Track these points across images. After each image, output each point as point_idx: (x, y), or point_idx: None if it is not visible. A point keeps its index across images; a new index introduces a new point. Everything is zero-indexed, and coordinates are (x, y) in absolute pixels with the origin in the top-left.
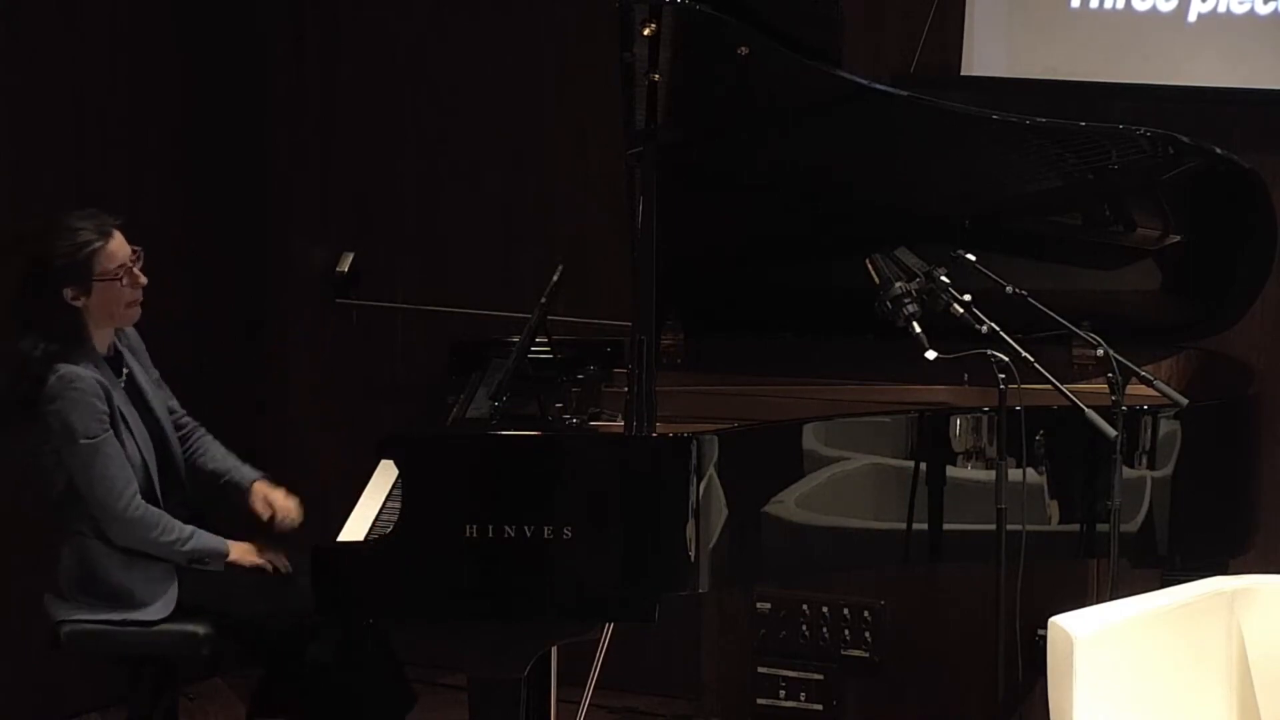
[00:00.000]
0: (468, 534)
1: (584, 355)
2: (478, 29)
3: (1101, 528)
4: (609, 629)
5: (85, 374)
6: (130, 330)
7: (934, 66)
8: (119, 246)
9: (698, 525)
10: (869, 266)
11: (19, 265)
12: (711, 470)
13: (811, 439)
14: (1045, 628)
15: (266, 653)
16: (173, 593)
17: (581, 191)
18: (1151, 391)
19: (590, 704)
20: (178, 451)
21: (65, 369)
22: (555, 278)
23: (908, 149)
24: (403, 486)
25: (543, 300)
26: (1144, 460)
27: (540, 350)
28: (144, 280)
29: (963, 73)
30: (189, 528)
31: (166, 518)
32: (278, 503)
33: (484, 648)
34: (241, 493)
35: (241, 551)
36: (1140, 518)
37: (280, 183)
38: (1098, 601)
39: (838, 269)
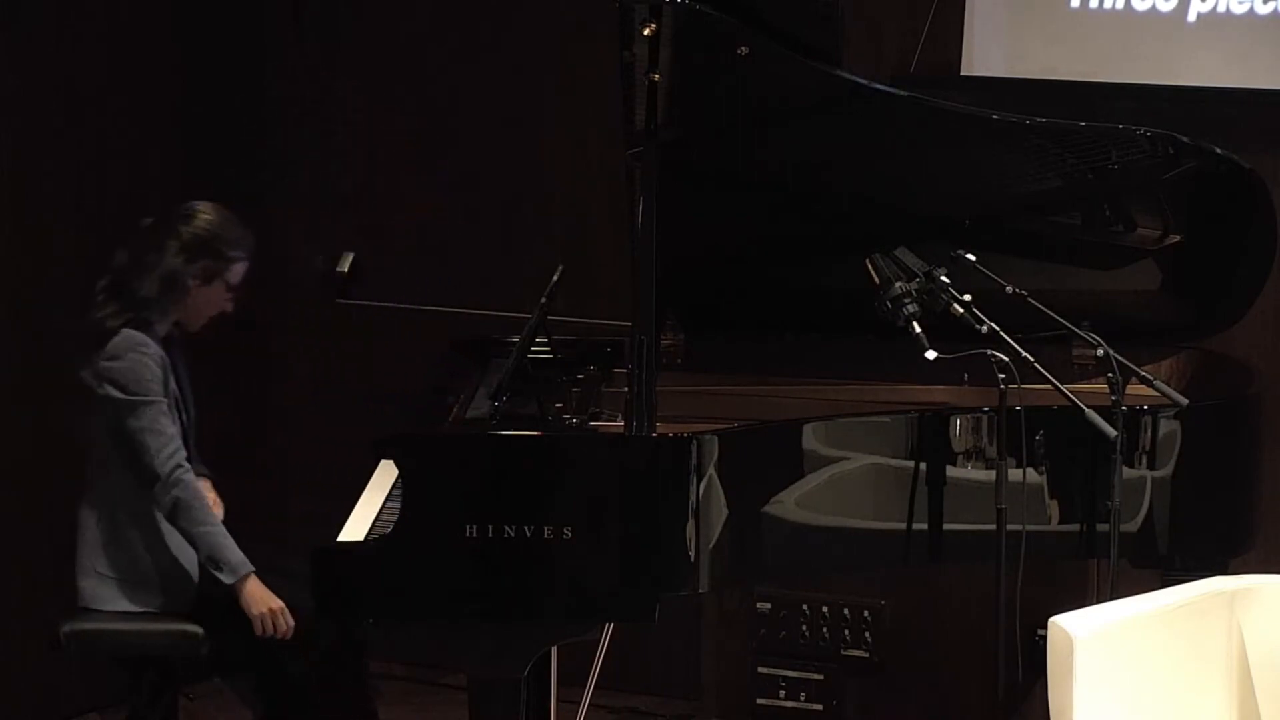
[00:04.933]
0: (468, 534)
1: (584, 355)
2: (478, 29)
3: (1101, 528)
4: (609, 629)
5: (152, 344)
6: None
7: (934, 66)
8: (243, 272)
9: (698, 525)
10: (869, 266)
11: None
12: (711, 470)
13: (811, 439)
14: (1045, 628)
15: (257, 655)
16: (192, 586)
17: (581, 191)
18: (1151, 391)
19: (590, 704)
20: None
21: (132, 332)
22: (555, 278)
23: (908, 149)
24: (403, 486)
25: (543, 300)
26: (1144, 460)
27: (540, 350)
28: (230, 309)
29: (963, 73)
30: (223, 528)
31: (208, 502)
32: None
33: (484, 648)
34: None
35: (260, 594)
36: (1140, 518)
37: (280, 183)
38: (1098, 601)
39: (838, 269)
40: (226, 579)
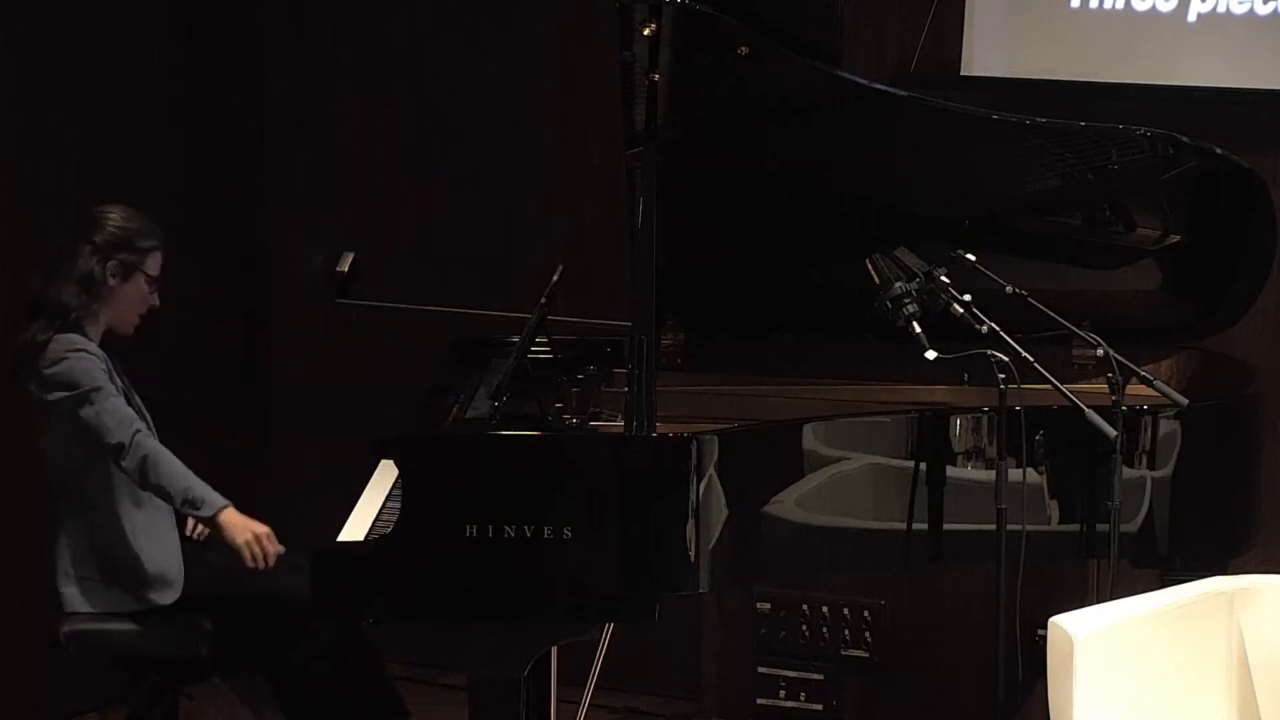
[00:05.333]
0: (468, 534)
1: (584, 355)
2: (478, 28)
3: (1101, 528)
4: (609, 629)
5: (89, 342)
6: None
7: (934, 66)
8: (159, 262)
9: (698, 525)
10: (869, 266)
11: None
12: (711, 470)
13: (811, 439)
14: (1045, 628)
15: (262, 653)
16: (179, 577)
17: (581, 191)
18: (1151, 391)
19: (590, 704)
20: None
21: (65, 335)
22: (555, 278)
23: (908, 149)
24: (403, 486)
25: (543, 300)
26: (1144, 460)
27: (540, 350)
28: (158, 303)
29: (963, 73)
30: (191, 473)
31: (171, 455)
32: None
33: (484, 648)
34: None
35: (240, 522)
36: (1140, 518)
37: (280, 182)
38: (1098, 601)
39: (838, 269)
40: (205, 514)
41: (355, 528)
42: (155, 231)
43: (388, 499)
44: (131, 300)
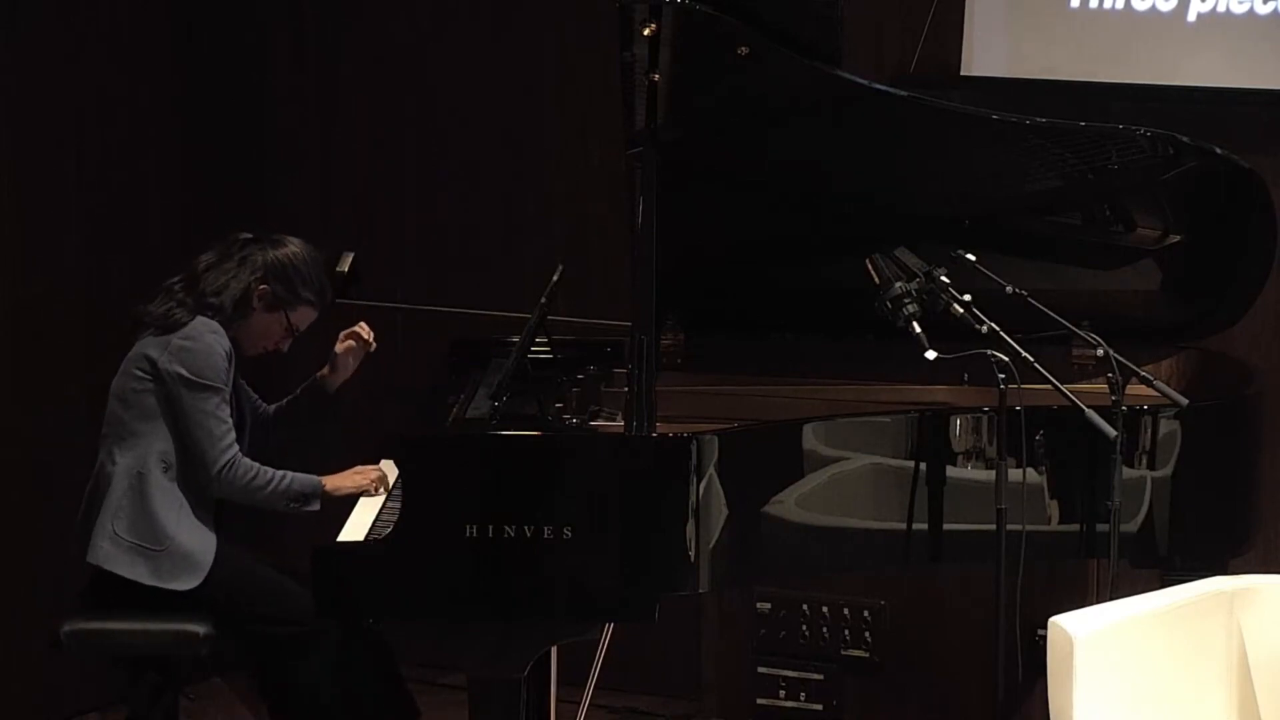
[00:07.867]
0: (468, 534)
1: (584, 355)
2: (478, 29)
3: (1101, 528)
4: (609, 629)
5: (225, 333)
6: None
7: (934, 66)
8: (309, 319)
9: (697, 525)
10: (869, 266)
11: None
12: (711, 470)
13: (811, 439)
14: (1045, 628)
15: (264, 658)
16: (205, 566)
17: (581, 191)
18: (1151, 391)
19: (590, 704)
20: None
21: (209, 320)
22: (555, 278)
23: (908, 149)
24: (403, 486)
25: (543, 300)
26: (1144, 460)
27: (540, 350)
28: (284, 349)
29: (963, 73)
30: (282, 471)
31: (260, 467)
32: (358, 336)
33: (484, 648)
34: (323, 386)
35: (336, 481)
36: (1140, 518)
37: (280, 182)
38: (1098, 601)
39: (838, 269)
40: (315, 506)
41: (355, 528)
42: (321, 291)
43: (388, 499)
44: (262, 331)
